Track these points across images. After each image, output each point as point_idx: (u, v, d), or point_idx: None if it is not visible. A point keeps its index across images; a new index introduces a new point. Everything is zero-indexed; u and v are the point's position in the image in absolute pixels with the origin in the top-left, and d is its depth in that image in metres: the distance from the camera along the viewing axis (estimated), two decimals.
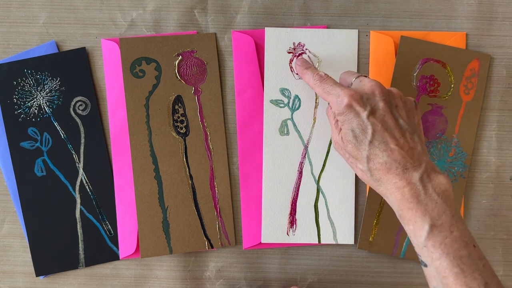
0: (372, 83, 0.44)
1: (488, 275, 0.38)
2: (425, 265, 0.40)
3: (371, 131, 0.42)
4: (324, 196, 0.55)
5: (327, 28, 0.55)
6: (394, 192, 0.41)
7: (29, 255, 0.55)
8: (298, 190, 0.55)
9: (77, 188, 0.55)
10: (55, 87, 0.54)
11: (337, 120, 0.45)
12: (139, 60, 0.54)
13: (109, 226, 0.55)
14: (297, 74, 0.55)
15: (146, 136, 0.54)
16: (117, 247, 0.55)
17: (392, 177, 0.41)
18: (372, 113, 0.42)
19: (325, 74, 0.47)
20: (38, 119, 0.54)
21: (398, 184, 0.41)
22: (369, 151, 0.42)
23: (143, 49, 0.54)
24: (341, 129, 0.44)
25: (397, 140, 0.42)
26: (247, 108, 0.55)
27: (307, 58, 0.55)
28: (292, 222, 0.55)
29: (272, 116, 0.55)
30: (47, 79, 0.54)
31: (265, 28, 0.55)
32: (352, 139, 0.43)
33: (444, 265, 0.38)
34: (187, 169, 0.55)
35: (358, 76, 0.46)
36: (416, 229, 0.40)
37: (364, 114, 0.42)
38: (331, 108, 0.47)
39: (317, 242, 0.55)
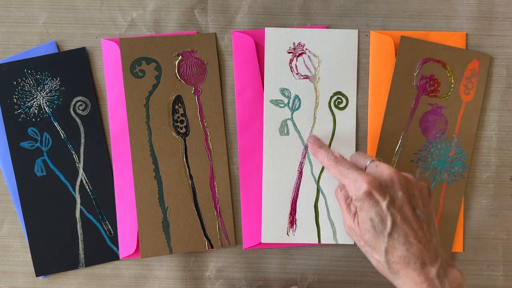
0: (390, 171, 0.43)
1: None
2: None
3: (391, 222, 0.41)
4: (324, 196, 0.55)
5: (327, 28, 0.55)
6: (412, 287, 0.41)
7: (29, 255, 0.55)
8: (298, 190, 0.55)
9: (77, 188, 0.55)
10: (55, 87, 0.54)
11: (349, 204, 0.44)
12: (139, 60, 0.54)
13: (109, 226, 0.55)
14: (297, 74, 0.55)
15: (146, 136, 0.54)
16: (117, 247, 0.55)
17: (410, 271, 0.40)
18: (391, 202, 0.42)
19: (340, 155, 0.47)
20: (38, 119, 0.54)
21: (416, 279, 0.40)
22: (387, 243, 0.41)
23: (143, 49, 0.54)
24: (355, 214, 0.44)
25: (415, 232, 0.41)
26: (247, 108, 0.55)
27: (307, 58, 0.55)
28: (292, 222, 0.55)
29: (272, 116, 0.55)
30: (47, 79, 0.54)
31: (265, 28, 0.55)
32: (371, 228, 0.42)
33: None
34: (187, 169, 0.55)
35: (372, 160, 0.45)
36: None
37: (384, 204, 0.41)
38: (340, 190, 0.46)
39: (317, 242, 0.55)
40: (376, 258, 0.42)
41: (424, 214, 0.43)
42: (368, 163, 0.45)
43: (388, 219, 0.41)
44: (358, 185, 0.42)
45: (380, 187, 0.42)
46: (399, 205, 0.42)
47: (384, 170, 0.43)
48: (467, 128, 0.55)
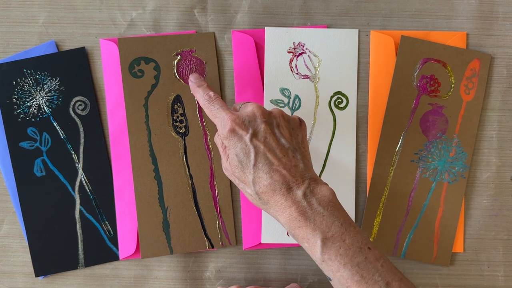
0: (253, 106, 0.44)
1: (388, 274, 0.39)
2: (330, 279, 0.40)
3: (254, 154, 0.42)
4: None
5: (327, 27, 0.55)
6: (282, 213, 0.41)
7: (29, 256, 0.55)
8: None
9: (76, 188, 0.54)
10: (54, 87, 0.54)
11: (225, 147, 0.45)
12: (138, 60, 0.54)
13: (109, 227, 0.55)
14: (297, 74, 0.55)
15: (146, 136, 0.54)
16: (117, 247, 0.55)
17: (278, 198, 0.41)
18: (254, 135, 0.42)
19: (215, 94, 0.47)
20: (38, 119, 0.54)
21: (284, 204, 0.41)
22: (253, 174, 0.42)
23: (141, 49, 0.54)
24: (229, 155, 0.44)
25: (279, 160, 0.42)
26: None
27: (307, 58, 0.55)
28: None
29: None
30: (46, 79, 0.54)
31: (265, 27, 0.55)
32: (238, 163, 0.42)
33: (344, 276, 0.39)
34: (187, 169, 0.55)
35: (244, 103, 0.46)
36: (311, 246, 0.40)
37: (247, 138, 0.42)
38: (218, 135, 0.46)
39: None
40: (249, 192, 0.43)
41: (289, 142, 0.43)
42: (240, 106, 0.47)
43: (251, 152, 0.42)
44: (223, 124, 0.43)
45: (243, 123, 0.43)
46: (262, 137, 0.42)
47: (247, 106, 0.44)
48: (467, 128, 0.55)
